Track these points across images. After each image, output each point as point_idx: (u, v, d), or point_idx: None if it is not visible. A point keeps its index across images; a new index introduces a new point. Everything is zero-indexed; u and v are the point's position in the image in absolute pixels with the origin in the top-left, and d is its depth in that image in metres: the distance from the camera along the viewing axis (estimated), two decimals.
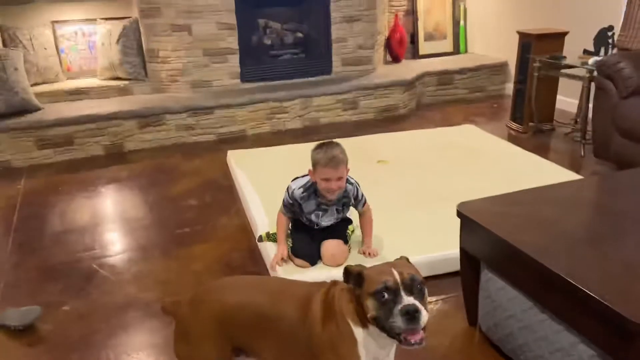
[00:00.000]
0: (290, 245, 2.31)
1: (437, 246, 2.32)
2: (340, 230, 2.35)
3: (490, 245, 1.72)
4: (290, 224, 2.36)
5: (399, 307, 1.19)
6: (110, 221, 2.94)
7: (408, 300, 1.20)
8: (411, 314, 1.18)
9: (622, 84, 3.16)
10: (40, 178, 3.53)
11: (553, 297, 1.49)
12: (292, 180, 2.31)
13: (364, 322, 1.28)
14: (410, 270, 1.29)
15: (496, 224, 1.70)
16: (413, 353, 1.75)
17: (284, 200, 2.28)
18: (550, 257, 1.49)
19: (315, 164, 2.15)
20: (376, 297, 1.22)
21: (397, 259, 1.42)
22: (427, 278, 2.22)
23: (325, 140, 2.22)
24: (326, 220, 2.29)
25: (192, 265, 2.46)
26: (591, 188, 2.08)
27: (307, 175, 2.25)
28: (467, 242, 1.85)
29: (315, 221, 2.29)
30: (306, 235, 2.30)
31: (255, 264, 2.45)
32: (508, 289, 1.69)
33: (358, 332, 1.28)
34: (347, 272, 1.32)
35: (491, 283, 1.78)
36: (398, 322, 1.19)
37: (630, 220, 1.73)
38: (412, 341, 1.21)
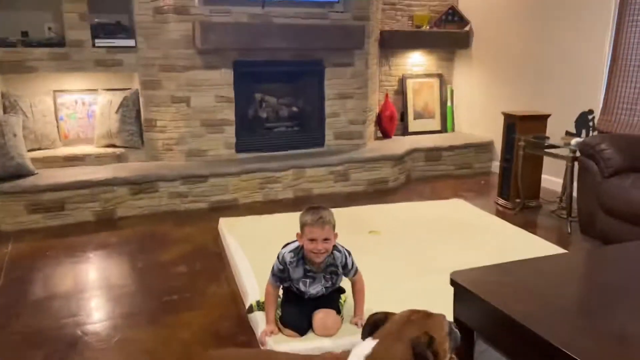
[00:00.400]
0: (279, 314, 2.28)
1: None
2: (331, 299, 2.33)
3: (485, 314, 1.72)
4: (281, 294, 2.34)
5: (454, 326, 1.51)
6: (96, 287, 2.88)
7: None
8: None
9: (604, 164, 3.30)
10: (28, 242, 3.49)
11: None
12: (283, 247, 2.33)
13: None
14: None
15: (490, 294, 1.72)
16: None
17: (273, 267, 2.28)
18: (546, 328, 1.50)
19: (302, 225, 2.17)
20: (450, 334, 1.47)
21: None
22: None
23: (314, 204, 2.26)
24: (314, 289, 2.28)
25: (180, 334, 2.40)
26: (579, 261, 2.12)
27: (296, 240, 2.27)
28: (461, 312, 1.85)
29: (303, 290, 2.27)
30: (296, 305, 2.28)
31: (244, 332, 2.40)
32: (493, 354, 1.68)
33: None
34: (429, 339, 1.34)
35: (486, 355, 1.76)
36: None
37: (616, 292, 1.76)
38: None
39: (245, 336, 2.37)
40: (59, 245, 3.45)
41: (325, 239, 2.14)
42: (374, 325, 1.38)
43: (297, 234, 2.22)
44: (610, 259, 2.07)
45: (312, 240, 2.14)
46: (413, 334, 1.32)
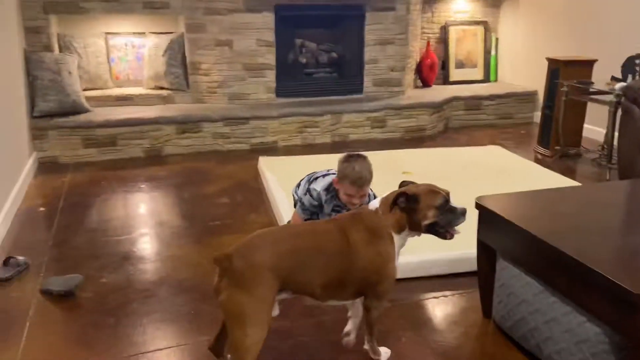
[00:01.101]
0: None
1: (457, 246, 2.40)
2: None
3: (506, 234, 1.81)
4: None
5: (459, 209, 1.68)
6: (147, 212, 3.12)
7: (459, 205, 1.69)
8: (465, 213, 1.68)
9: None
10: (84, 173, 3.77)
11: (563, 279, 1.57)
12: (312, 182, 2.34)
13: (401, 229, 1.70)
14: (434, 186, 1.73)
15: (512, 214, 1.80)
16: (427, 341, 1.86)
17: (303, 202, 2.31)
18: (561, 241, 1.58)
19: (342, 177, 2.14)
20: (439, 207, 1.66)
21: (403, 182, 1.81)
22: (446, 276, 2.33)
23: (353, 153, 2.22)
24: None
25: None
26: (604, 191, 2.16)
27: (328, 175, 2.30)
28: (484, 234, 1.94)
29: None
30: None
31: None
32: (521, 276, 1.77)
33: (396, 237, 1.70)
34: (405, 194, 1.67)
35: (506, 272, 1.86)
36: (460, 220, 1.67)
37: (636, 217, 1.81)
38: (454, 234, 1.71)
39: None
40: (112, 176, 3.71)
41: (362, 195, 2.16)
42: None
43: (334, 180, 2.22)
44: (632, 189, 2.10)
45: (349, 195, 2.15)
46: (424, 188, 1.72)
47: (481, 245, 1.98)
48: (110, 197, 3.34)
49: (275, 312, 1.63)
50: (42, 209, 3.13)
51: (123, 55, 4.72)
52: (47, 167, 3.87)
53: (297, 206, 2.39)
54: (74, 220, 2.97)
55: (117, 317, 2.07)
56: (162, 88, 4.64)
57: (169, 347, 1.89)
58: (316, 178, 2.37)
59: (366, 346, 1.80)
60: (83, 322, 2.04)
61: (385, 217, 1.69)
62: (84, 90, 4.36)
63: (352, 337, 1.86)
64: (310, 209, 2.33)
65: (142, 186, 3.54)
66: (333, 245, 1.64)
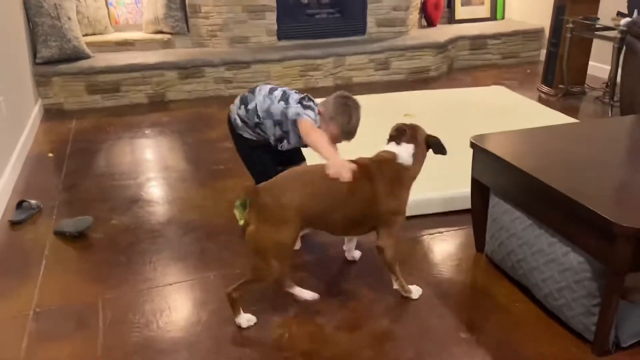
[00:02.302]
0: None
1: (452, 185, 2.47)
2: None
3: (498, 170, 1.86)
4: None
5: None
6: (152, 158, 3.19)
7: None
8: None
9: None
10: (89, 119, 3.82)
11: (550, 212, 1.63)
12: (296, 101, 2.06)
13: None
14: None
15: (504, 152, 1.85)
16: (423, 274, 1.95)
17: (310, 116, 2.01)
18: (550, 176, 1.63)
19: (333, 118, 2.01)
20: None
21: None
22: (442, 214, 2.41)
23: (351, 96, 2.07)
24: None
25: (226, 195, 2.68)
26: (597, 127, 2.18)
27: (304, 97, 2.09)
28: (478, 171, 2.00)
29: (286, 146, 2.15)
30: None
31: None
32: (511, 211, 1.84)
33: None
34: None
35: (497, 207, 1.93)
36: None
37: (631, 152, 1.84)
38: None
39: None
40: (117, 122, 3.76)
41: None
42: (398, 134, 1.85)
43: (319, 110, 2.05)
44: (628, 125, 2.12)
45: (332, 137, 2.01)
46: (424, 134, 1.89)
47: (475, 183, 2.04)
48: (116, 142, 3.41)
49: (297, 246, 1.74)
50: (50, 154, 3.21)
51: None
52: (53, 114, 3.92)
53: (311, 117, 2.01)
54: (82, 165, 3.05)
55: (128, 255, 2.18)
56: (162, 32, 4.60)
57: (178, 282, 2.01)
58: (289, 97, 2.09)
59: (395, 286, 1.88)
60: (96, 260, 2.15)
61: (414, 169, 1.82)
62: (84, 35, 4.34)
63: (353, 251, 2.09)
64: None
65: (147, 132, 3.59)
66: (360, 192, 1.72)
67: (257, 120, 2.13)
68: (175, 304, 1.89)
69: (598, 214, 1.41)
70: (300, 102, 2.08)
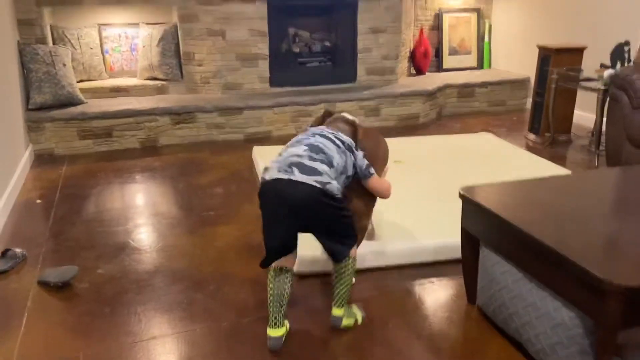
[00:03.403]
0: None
1: (442, 234, 2.47)
2: None
3: (487, 222, 1.87)
4: None
5: None
6: (142, 203, 3.17)
7: None
8: None
9: (634, 94, 3.27)
10: (80, 165, 3.81)
11: (540, 266, 1.63)
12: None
13: None
14: None
15: (493, 203, 1.86)
16: (414, 327, 1.93)
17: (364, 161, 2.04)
18: (539, 230, 1.64)
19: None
20: None
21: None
22: (432, 263, 2.40)
23: (356, 123, 2.19)
24: None
25: (216, 243, 2.66)
26: (584, 179, 2.21)
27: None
28: (468, 222, 2.00)
29: None
30: None
31: None
32: (502, 263, 1.84)
33: None
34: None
35: (487, 259, 1.92)
36: None
37: (619, 205, 1.86)
38: None
39: None
40: (108, 168, 3.76)
41: None
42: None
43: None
44: (615, 178, 2.15)
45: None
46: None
47: (465, 234, 2.04)
48: (106, 188, 3.39)
49: None
50: (38, 200, 3.18)
51: (117, 46, 4.74)
52: (43, 159, 3.91)
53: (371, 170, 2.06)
54: (70, 211, 3.02)
55: (113, 306, 2.13)
56: (155, 79, 4.66)
57: (163, 336, 1.96)
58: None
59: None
60: (80, 311, 2.10)
61: None
62: (79, 81, 4.39)
63: None
64: None
65: (138, 177, 3.59)
66: None
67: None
68: (160, 359, 1.84)
69: (587, 271, 1.41)
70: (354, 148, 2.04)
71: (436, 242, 2.43)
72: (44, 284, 2.26)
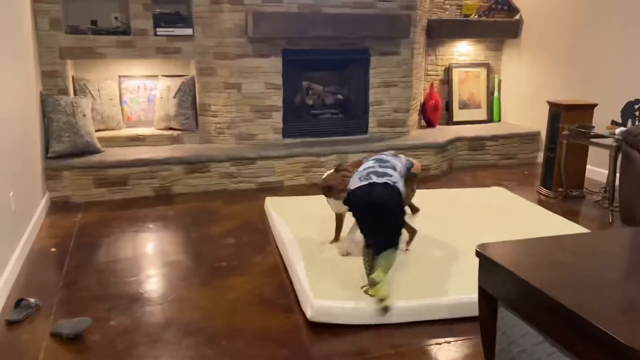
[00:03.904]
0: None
1: (457, 290, 2.45)
2: None
3: (506, 282, 1.85)
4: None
5: None
6: (155, 253, 3.18)
7: None
8: None
9: None
10: (95, 212, 3.85)
11: (562, 330, 1.60)
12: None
13: None
14: None
15: (511, 262, 1.84)
16: None
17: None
18: (561, 293, 1.62)
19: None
20: None
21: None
22: (447, 320, 2.36)
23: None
24: None
25: (227, 295, 2.64)
26: (602, 239, 2.19)
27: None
28: (485, 281, 1.98)
29: None
30: None
31: (285, 297, 2.62)
32: (522, 325, 1.80)
33: None
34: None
35: (506, 320, 1.89)
36: None
37: (632, 267, 1.84)
38: None
39: (285, 300, 2.59)
40: (123, 216, 3.79)
41: None
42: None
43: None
44: (632, 239, 2.13)
45: None
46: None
47: (482, 292, 2.01)
48: (120, 237, 3.41)
49: None
50: (53, 249, 3.20)
51: (135, 97, 4.88)
52: (59, 207, 3.96)
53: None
54: (84, 260, 3.03)
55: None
56: (171, 128, 4.77)
57: None
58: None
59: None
60: None
61: None
62: (97, 131, 4.49)
63: None
64: None
65: (151, 226, 3.61)
66: None
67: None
68: None
69: (611, 336, 1.38)
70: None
71: (451, 299, 2.40)
72: (56, 336, 2.24)
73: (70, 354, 2.15)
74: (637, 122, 3.80)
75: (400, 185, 2.56)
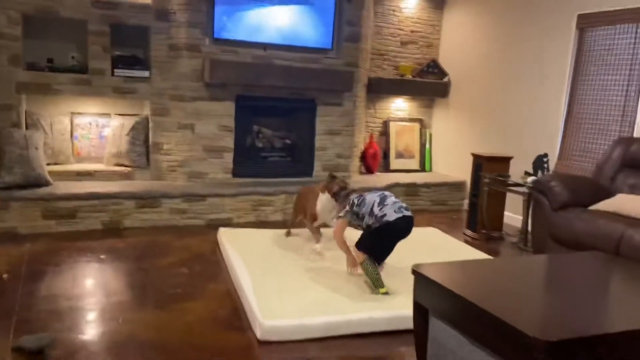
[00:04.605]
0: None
1: (395, 306, 2.76)
2: None
3: (437, 294, 2.18)
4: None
5: None
6: (108, 279, 3.28)
7: None
8: None
9: (552, 198, 3.83)
10: (44, 244, 3.88)
11: (480, 329, 1.93)
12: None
13: None
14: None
15: (441, 277, 2.19)
16: None
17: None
18: (479, 298, 1.97)
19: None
20: None
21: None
22: (387, 333, 2.66)
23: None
24: None
25: (184, 317, 2.80)
26: (520, 262, 2.61)
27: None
28: (419, 295, 2.31)
29: None
30: None
31: (238, 319, 2.81)
32: (448, 330, 2.13)
33: None
34: None
35: (436, 327, 2.21)
36: None
37: (543, 282, 2.24)
38: None
39: (239, 322, 2.78)
40: (72, 247, 3.84)
41: None
42: None
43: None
44: (539, 261, 2.57)
45: None
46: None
47: (416, 305, 2.33)
48: (72, 265, 3.48)
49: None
50: (5, 275, 3.22)
51: (86, 133, 4.99)
52: (5, 238, 3.94)
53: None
54: (38, 286, 3.09)
55: None
56: (122, 165, 4.90)
57: None
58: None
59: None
60: None
61: None
62: (47, 164, 4.55)
63: None
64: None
65: (102, 256, 3.69)
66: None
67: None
68: None
69: (516, 328, 1.73)
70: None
71: (391, 313, 2.72)
72: (19, 350, 2.31)
73: None
74: (545, 173, 4.39)
75: None
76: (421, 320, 2.33)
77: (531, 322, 1.85)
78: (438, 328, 2.20)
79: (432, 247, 4.08)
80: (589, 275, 2.47)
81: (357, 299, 2.92)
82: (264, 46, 4.97)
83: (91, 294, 3.03)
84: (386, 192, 3.36)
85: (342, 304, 2.86)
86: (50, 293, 3.00)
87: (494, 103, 5.56)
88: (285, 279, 3.19)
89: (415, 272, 2.31)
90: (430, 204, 5.80)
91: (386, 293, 3.05)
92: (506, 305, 1.94)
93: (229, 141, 5.00)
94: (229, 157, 5.02)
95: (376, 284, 3.07)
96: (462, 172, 5.91)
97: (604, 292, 2.28)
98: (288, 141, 5.49)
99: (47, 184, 4.35)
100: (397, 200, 3.28)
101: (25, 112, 4.65)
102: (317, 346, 2.56)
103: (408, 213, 3.21)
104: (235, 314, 2.87)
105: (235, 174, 5.06)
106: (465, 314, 2.01)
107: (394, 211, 3.15)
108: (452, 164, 6.19)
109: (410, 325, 2.41)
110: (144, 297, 3.04)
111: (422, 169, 6.42)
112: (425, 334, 2.31)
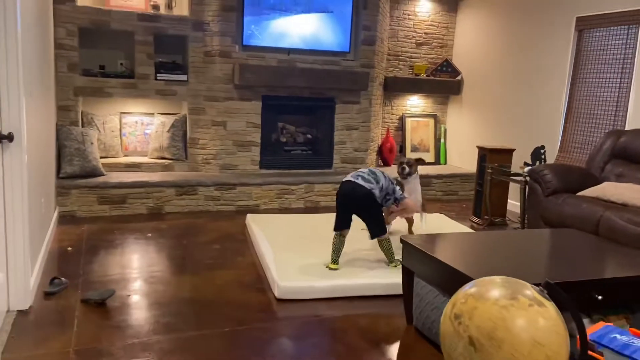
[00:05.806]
0: None
1: (391, 276, 3.27)
2: None
3: (420, 259, 2.69)
4: None
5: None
6: (155, 252, 3.90)
7: None
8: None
9: (544, 185, 4.26)
10: (98, 225, 4.55)
11: (450, 284, 2.43)
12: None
13: None
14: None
15: (424, 246, 2.69)
16: (355, 344, 2.68)
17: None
18: (447, 258, 2.46)
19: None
20: None
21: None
22: (383, 296, 3.17)
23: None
24: None
25: (215, 281, 3.39)
26: (498, 234, 3.08)
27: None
28: (407, 260, 2.81)
29: None
30: None
31: (260, 283, 3.38)
32: (427, 287, 2.63)
33: None
34: None
35: (419, 286, 2.71)
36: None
37: (509, 249, 2.72)
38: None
39: (261, 285, 3.35)
40: (122, 228, 4.50)
41: None
42: None
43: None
44: (509, 235, 3.03)
45: None
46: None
47: (404, 269, 2.84)
48: (124, 242, 4.12)
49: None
50: (70, 248, 3.88)
51: (133, 130, 5.66)
52: (66, 220, 4.64)
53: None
54: (97, 257, 3.73)
55: (137, 317, 2.82)
56: (164, 158, 5.54)
57: (176, 331, 2.65)
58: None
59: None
60: (118, 319, 2.78)
61: None
62: (100, 157, 5.23)
63: None
64: None
65: (149, 235, 4.33)
66: None
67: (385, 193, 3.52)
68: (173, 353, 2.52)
69: (465, 274, 2.23)
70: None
71: (387, 281, 3.23)
72: (86, 302, 2.94)
73: (98, 314, 2.85)
74: (542, 163, 4.79)
75: (376, 193, 3.40)
76: (408, 281, 2.84)
77: (477, 268, 2.33)
78: (420, 286, 2.70)
79: (436, 231, 4.54)
80: (552, 245, 2.92)
81: (362, 269, 3.44)
82: (288, 51, 5.53)
83: (142, 263, 3.65)
84: (376, 170, 3.57)
85: (348, 272, 3.38)
86: (107, 263, 3.64)
87: (502, 99, 5.96)
88: (301, 253, 3.73)
89: (403, 241, 2.82)
90: (442, 194, 6.25)
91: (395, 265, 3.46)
92: (475, 268, 2.43)
93: (256, 136, 5.58)
94: (256, 151, 5.60)
95: (390, 259, 3.52)
96: (473, 165, 6.32)
97: (555, 257, 2.73)
98: (309, 136, 6.04)
99: (101, 174, 5.02)
100: (371, 170, 3.49)
101: (82, 112, 5.34)
102: (324, 305, 3.10)
103: (358, 181, 3.35)
104: (258, 280, 3.44)
105: (262, 165, 5.65)
106: (441, 273, 2.51)
107: (351, 176, 3.43)
108: (464, 157, 6.61)
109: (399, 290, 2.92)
110: (183, 266, 3.65)
111: (437, 162, 6.86)
112: (411, 291, 2.82)
